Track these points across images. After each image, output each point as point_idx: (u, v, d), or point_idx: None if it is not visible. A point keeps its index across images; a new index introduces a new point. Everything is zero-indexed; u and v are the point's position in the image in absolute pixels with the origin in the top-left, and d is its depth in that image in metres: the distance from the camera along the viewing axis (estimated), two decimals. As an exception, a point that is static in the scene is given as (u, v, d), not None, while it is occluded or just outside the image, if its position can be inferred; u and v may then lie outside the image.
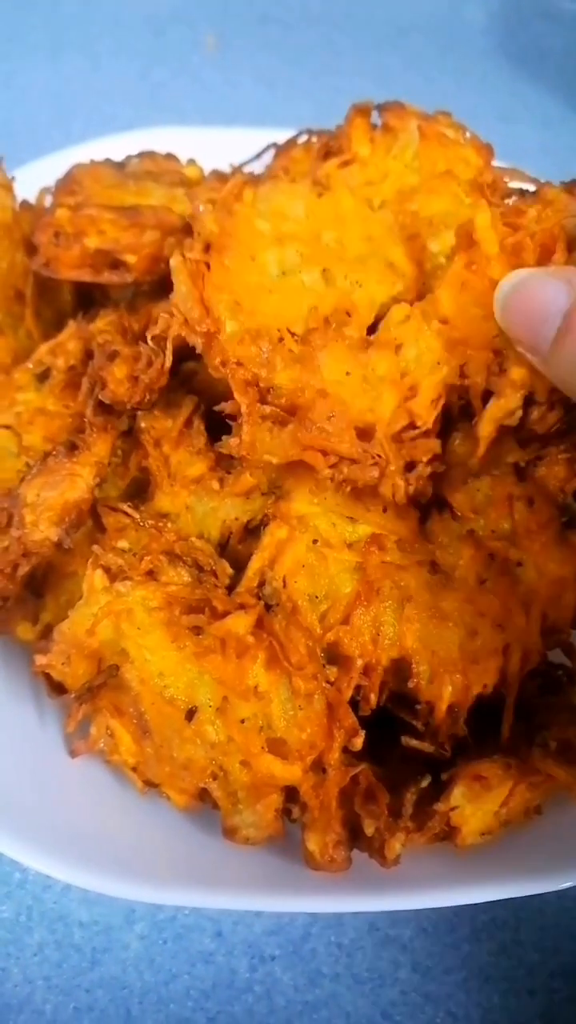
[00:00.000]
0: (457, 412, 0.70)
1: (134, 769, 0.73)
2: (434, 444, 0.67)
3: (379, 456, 0.65)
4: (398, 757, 0.74)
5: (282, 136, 1.08)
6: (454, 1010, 0.89)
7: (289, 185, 0.75)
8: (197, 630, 0.64)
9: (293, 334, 0.68)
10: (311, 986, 0.89)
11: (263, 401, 0.66)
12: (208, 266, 0.72)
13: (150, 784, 0.73)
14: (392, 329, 0.68)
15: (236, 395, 0.67)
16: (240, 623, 0.62)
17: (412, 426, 0.66)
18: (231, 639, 0.62)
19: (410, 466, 0.67)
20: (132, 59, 1.79)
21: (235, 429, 0.67)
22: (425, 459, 0.67)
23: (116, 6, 1.89)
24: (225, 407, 0.68)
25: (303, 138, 1.04)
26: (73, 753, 0.77)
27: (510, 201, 0.80)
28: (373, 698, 0.69)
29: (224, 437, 0.69)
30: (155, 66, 1.78)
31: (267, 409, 0.66)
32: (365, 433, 0.65)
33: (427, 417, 0.65)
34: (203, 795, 0.71)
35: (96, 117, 1.67)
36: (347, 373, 0.66)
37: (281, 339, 0.67)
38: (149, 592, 0.65)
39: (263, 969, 0.89)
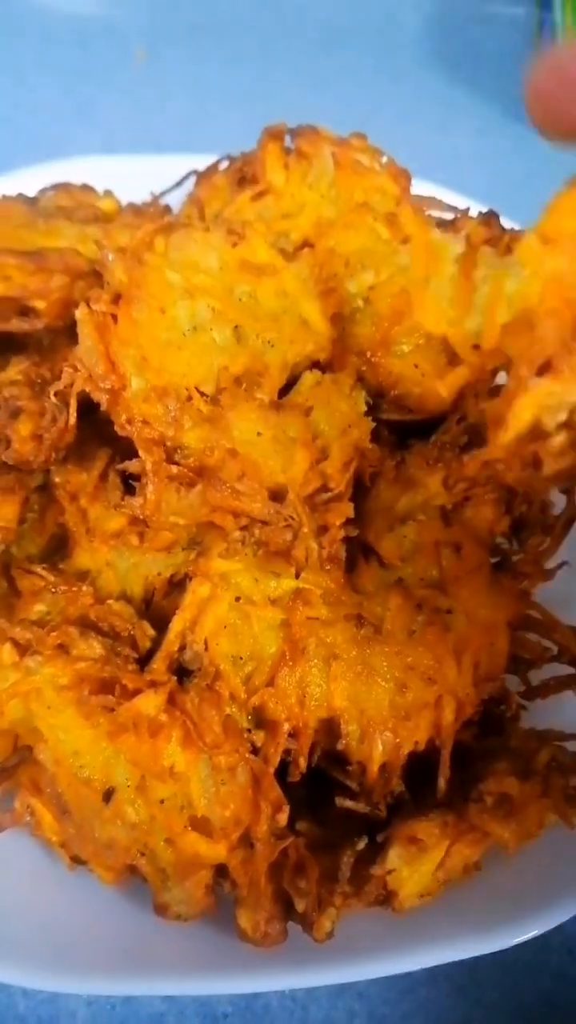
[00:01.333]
0: (378, 463, 0.68)
1: (61, 845, 0.70)
2: (347, 508, 0.65)
3: (292, 518, 0.62)
4: (337, 815, 0.71)
5: (204, 162, 1.05)
6: (412, 1058, 0.87)
7: (202, 234, 0.72)
8: (109, 709, 0.60)
9: (202, 393, 0.65)
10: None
11: (170, 461, 0.63)
12: (115, 318, 0.68)
13: (77, 860, 0.70)
14: (304, 392, 0.65)
15: (141, 454, 0.64)
16: (149, 703, 0.59)
17: (325, 488, 0.63)
18: (142, 719, 0.59)
19: (322, 529, 0.64)
20: (57, 74, 1.74)
21: (139, 489, 0.64)
22: (338, 523, 0.64)
23: (40, 19, 1.84)
24: (129, 466, 0.65)
25: (224, 164, 1.01)
26: (-1, 827, 0.73)
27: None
28: (303, 762, 0.67)
29: (127, 497, 0.65)
30: (82, 82, 1.74)
31: (174, 469, 0.63)
32: (277, 495, 0.62)
33: (339, 480, 0.63)
34: (133, 869, 0.68)
35: (21, 136, 1.62)
36: (258, 433, 0.63)
37: (190, 398, 0.64)
38: (58, 669, 0.62)
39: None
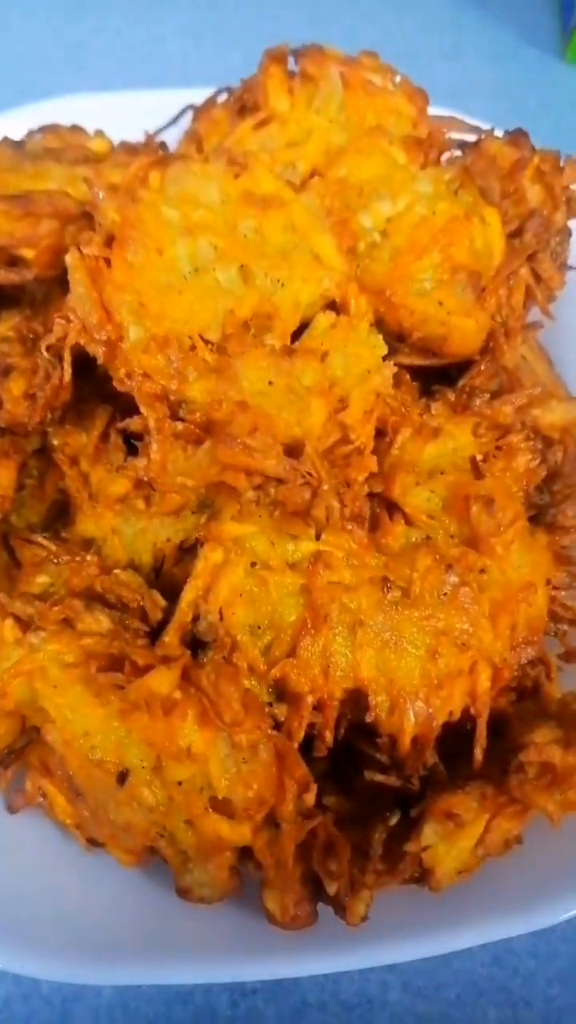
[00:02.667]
0: (401, 412, 0.62)
1: (76, 827, 0.67)
2: (370, 462, 0.59)
3: (310, 474, 0.56)
4: (367, 787, 0.67)
5: (201, 96, 0.98)
6: (449, 1029, 0.85)
7: (201, 166, 0.65)
8: (119, 687, 0.56)
9: (207, 341, 0.59)
10: (297, 1018, 0.84)
11: (174, 417, 0.58)
12: (109, 262, 0.62)
13: (93, 842, 0.66)
14: (318, 336, 0.59)
15: (143, 410, 0.58)
16: (162, 681, 0.54)
17: (344, 441, 0.57)
18: (155, 697, 0.54)
19: (343, 486, 0.58)
20: (47, 18, 1.65)
21: (142, 449, 0.59)
22: (361, 478, 0.59)
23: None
24: (131, 424, 0.59)
25: (222, 97, 0.94)
26: (11, 809, 0.70)
27: (449, 156, 0.70)
28: (329, 736, 0.62)
29: (129, 458, 0.60)
30: (71, 24, 1.64)
31: (179, 426, 0.58)
32: (293, 450, 0.57)
33: (360, 431, 0.57)
34: (152, 850, 0.64)
35: (10, 82, 1.54)
36: (269, 383, 0.57)
37: (193, 347, 0.59)
38: (63, 646, 0.57)
39: (245, 1004, 0.84)
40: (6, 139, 0.91)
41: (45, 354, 0.63)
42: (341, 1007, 0.85)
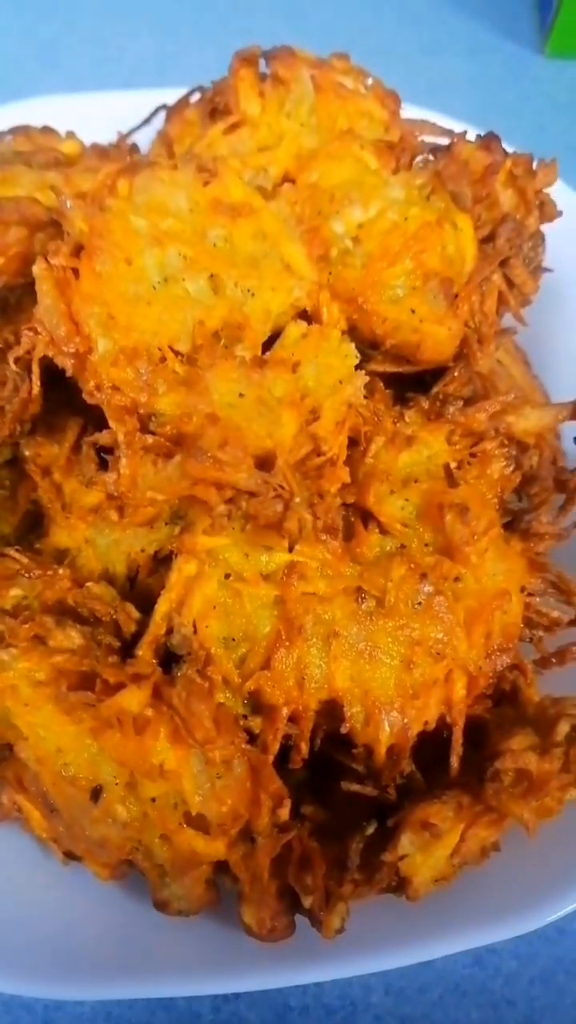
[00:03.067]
0: (374, 421, 0.61)
1: (53, 840, 0.66)
2: (342, 473, 0.59)
3: (281, 487, 0.56)
4: (344, 797, 0.67)
5: (174, 96, 0.96)
6: (431, 1031, 0.85)
7: (169, 173, 0.64)
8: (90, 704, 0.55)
9: (177, 353, 0.58)
10: (279, 1022, 0.85)
11: (145, 430, 0.57)
12: (77, 273, 0.61)
13: (71, 856, 0.66)
14: (289, 347, 0.58)
15: (112, 424, 0.57)
16: (132, 699, 0.54)
17: (316, 452, 0.57)
18: (126, 715, 0.54)
19: (316, 497, 0.58)
20: (16, 15, 1.62)
21: (112, 463, 0.58)
22: (333, 489, 0.58)
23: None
24: (100, 438, 0.58)
25: (195, 98, 0.93)
26: (-12, 823, 0.69)
27: (421, 160, 0.70)
28: (304, 747, 0.62)
29: (99, 473, 0.59)
30: (42, 22, 1.61)
31: (149, 439, 0.57)
32: (264, 462, 0.56)
33: (332, 442, 0.57)
34: (130, 864, 0.64)
35: (-20, 82, 1.52)
36: (240, 395, 0.57)
37: (163, 359, 0.58)
38: (34, 663, 0.56)
39: (227, 1009, 0.84)
40: (-26, 143, 0.90)
41: (13, 366, 0.62)
42: (324, 1011, 0.85)
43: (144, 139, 1.00)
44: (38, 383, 0.62)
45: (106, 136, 1.01)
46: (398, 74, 0.93)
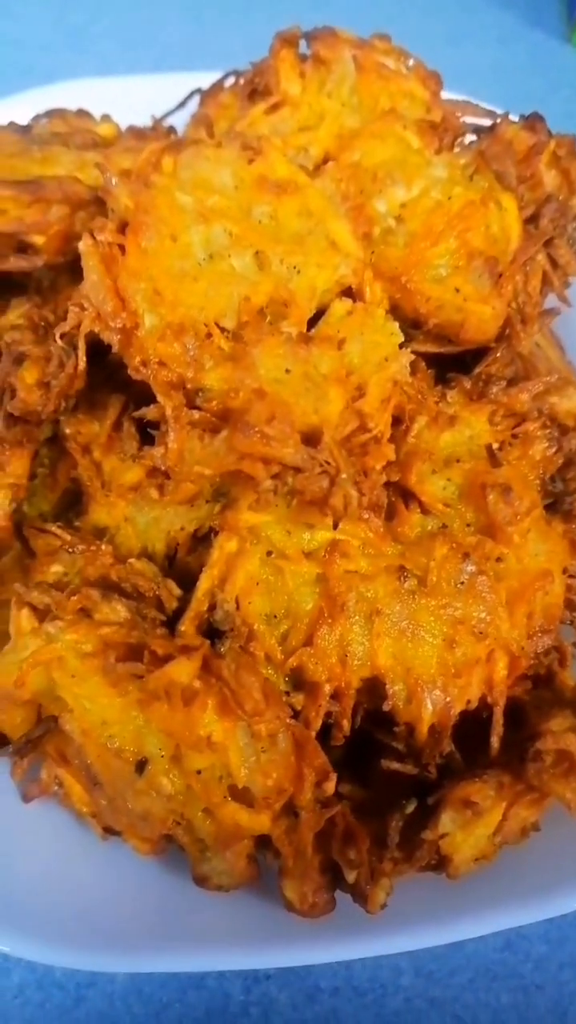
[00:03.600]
0: (417, 400, 0.61)
1: (93, 816, 0.67)
2: (388, 450, 0.59)
3: (328, 463, 0.56)
4: (383, 775, 0.67)
5: (207, 80, 0.96)
6: (460, 1013, 0.85)
7: (214, 150, 0.64)
8: (138, 676, 0.56)
9: (223, 329, 0.58)
10: (310, 1003, 0.85)
11: (191, 405, 0.57)
12: (123, 249, 0.62)
13: (110, 831, 0.66)
14: (334, 324, 0.58)
15: (159, 399, 0.57)
16: (183, 671, 0.54)
17: (362, 429, 0.57)
18: (175, 687, 0.54)
19: (362, 474, 0.58)
20: (46, 2, 1.62)
21: (159, 438, 0.58)
22: (379, 467, 0.58)
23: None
24: (147, 413, 0.59)
25: (230, 81, 0.93)
26: (26, 798, 0.70)
27: (463, 142, 0.69)
28: (346, 724, 0.62)
29: (146, 447, 0.59)
30: (72, 8, 1.62)
31: (196, 414, 0.57)
32: (310, 438, 0.56)
33: (378, 419, 0.57)
34: (169, 839, 0.64)
35: (11, 69, 1.52)
36: (287, 371, 0.57)
37: (209, 334, 0.58)
38: (81, 635, 0.57)
39: (258, 990, 0.85)
40: (12, 124, 0.90)
41: (59, 342, 0.62)
42: (354, 992, 0.85)
43: (178, 123, 1.01)
44: (84, 358, 0.62)
45: (138, 119, 1.01)
46: (425, 61, 0.93)
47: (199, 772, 0.57)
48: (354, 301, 0.64)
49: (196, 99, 0.96)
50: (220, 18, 1.64)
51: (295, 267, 0.61)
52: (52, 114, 0.94)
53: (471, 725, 0.67)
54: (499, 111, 0.75)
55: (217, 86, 0.92)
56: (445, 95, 0.83)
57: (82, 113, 0.95)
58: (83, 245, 0.62)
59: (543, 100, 1.59)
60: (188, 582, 0.67)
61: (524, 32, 1.66)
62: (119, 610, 0.59)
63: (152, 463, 0.58)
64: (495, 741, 0.64)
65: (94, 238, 0.62)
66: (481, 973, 0.86)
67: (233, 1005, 0.84)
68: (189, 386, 0.58)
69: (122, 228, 0.63)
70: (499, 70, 1.61)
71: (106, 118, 0.94)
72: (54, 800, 0.70)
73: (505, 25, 1.66)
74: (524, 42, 1.65)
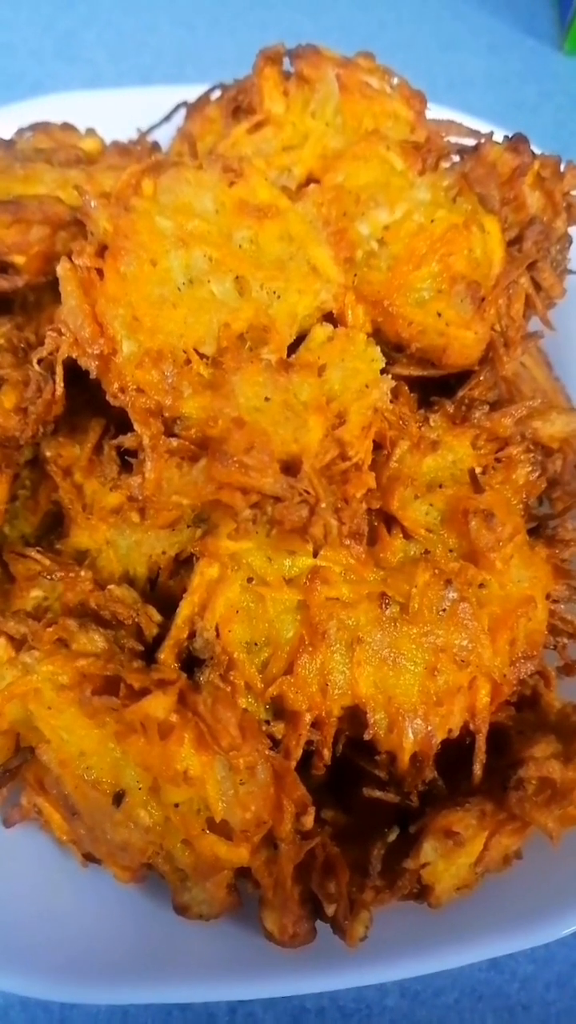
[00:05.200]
0: (399, 425, 0.61)
1: (73, 843, 0.66)
2: (368, 478, 0.58)
3: (307, 492, 0.55)
4: (365, 802, 0.67)
5: (194, 93, 0.96)
6: (447, 1034, 0.85)
7: (195, 173, 0.64)
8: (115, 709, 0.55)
9: (202, 355, 0.58)
10: (295, 1024, 0.84)
11: (169, 433, 0.57)
12: (101, 273, 0.61)
13: (90, 858, 0.66)
14: (315, 350, 0.58)
15: (137, 427, 0.57)
16: (159, 705, 0.53)
17: (342, 457, 0.56)
18: (151, 721, 0.54)
19: (341, 502, 0.57)
20: (36, 7, 1.61)
21: (136, 466, 0.57)
22: (359, 494, 0.58)
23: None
24: (125, 441, 0.58)
25: (216, 94, 0.92)
26: (6, 823, 0.69)
27: (447, 164, 0.69)
28: (327, 753, 0.62)
29: (124, 475, 0.59)
30: (61, 13, 1.61)
31: (174, 442, 0.56)
32: (290, 467, 0.56)
33: (358, 447, 0.56)
34: (150, 866, 0.64)
35: (0, 76, 1.51)
36: (266, 399, 0.56)
37: (188, 361, 0.57)
38: (57, 667, 0.56)
39: (243, 1011, 0.84)
40: (-5, 139, 0.90)
41: (37, 367, 0.62)
42: (339, 1013, 0.85)
43: (165, 136, 1.00)
44: (62, 384, 0.62)
45: (124, 132, 1.01)
46: (417, 70, 0.92)
47: (177, 805, 0.56)
48: (335, 326, 0.63)
49: (182, 112, 0.95)
50: (212, 24, 1.63)
51: (275, 292, 0.60)
52: (36, 128, 0.93)
53: (453, 751, 0.66)
54: (484, 130, 0.75)
55: (203, 100, 0.92)
56: (433, 109, 0.82)
57: (67, 127, 0.94)
58: (61, 269, 0.61)
59: (535, 108, 1.58)
60: (170, 606, 0.67)
61: (517, 39, 1.65)
62: (96, 640, 0.58)
63: (129, 492, 0.57)
64: (478, 769, 0.64)
65: (72, 262, 0.61)
66: (467, 993, 0.86)
67: (218, 1026, 0.83)
68: (167, 414, 0.57)
69: (101, 252, 0.62)
70: (491, 77, 1.60)
71: (91, 132, 0.94)
72: (35, 825, 0.70)
73: (497, 32, 1.65)
74: (517, 49, 1.64)
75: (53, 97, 1.06)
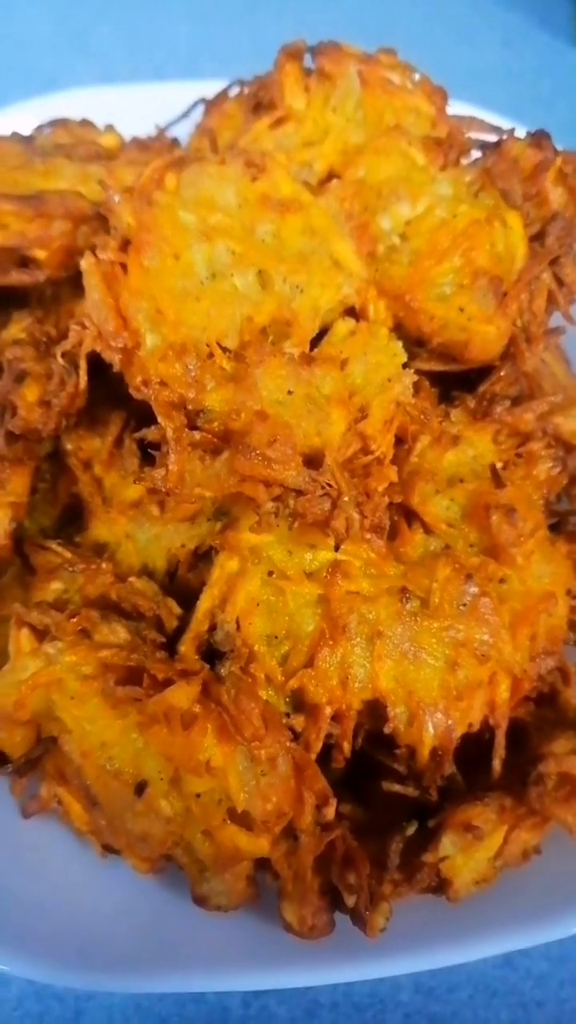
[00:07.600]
0: (420, 420, 0.61)
1: (92, 833, 0.66)
2: (390, 472, 0.58)
3: (329, 486, 0.55)
4: (384, 796, 0.67)
5: (212, 89, 0.96)
6: (460, 1030, 0.85)
7: (217, 167, 0.64)
8: (137, 699, 0.55)
9: (225, 349, 0.58)
10: (309, 1018, 0.85)
11: (192, 426, 0.57)
12: (124, 267, 0.61)
13: (109, 849, 0.66)
14: (337, 344, 0.58)
15: (160, 420, 0.57)
16: (182, 696, 0.54)
17: (364, 451, 0.56)
18: (174, 711, 0.54)
19: (364, 496, 0.57)
20: (51, 3, 1.62)
21: (159, 459, 0.58)
22: (381, 488, 0.58)
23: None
24: (148, 434, 0.58)
25: (235, 91, 0.92)
26: (25, 814, 0.70)
27: (469, 159, 0.69)
28: (347, 747, 0.62)
29: (146, 468, 0.59)
30: (76, 9, 1.61)
31: (197, 435, 0.56)
32: (312, 460, 0.56)
33: (381, 441, 0.56)
34: (168, 858, 0.64)
35: (14, 71, 1.51)
36: (289, 392, 0.56)
37: (211, 355, 0.57)
38: (80, 657, 0.56)
39: (257, 1004, 0.85)
40: (15, 134, 0.90)
41: (60, 360, 0.62)
42: (353, 1008, 0.85)
43: (182, 132, 1.00)
44: (85, 378, 0.62)
45: (141, 128, 1.01)
46: (431, 64, 0.92)
47: (198, 795, 0.57)
48: (357, 320, 0.63)
49: (200, 108, 0.96)
50: (226, 19, 1.63)
51: (298, 286, 0.61)
52: (55, 124, 0.94)
53: (473, 746, 0.66)
54: (505, 126, 0.75)
55: (221, 96, 0.92)
56: (451, 106, 0.82)
57: (85, 123, 0.94)
58: (85, 263, 0.62)
59: (550, 103, 1.58)
60: (189, 599, 0.67)
61: (532, 34, 1.65)
62: (119, 631, 0.58)
63: (152, 484, 0.57)
64: (497, 764, 0.64)
65: (96, 256, 0.62)
66: (481, 989, 0.86)
67: (232, 1019, 0.83)
68: (190, 407, 0.58)
69: (124, 246, 0.62)
70: (506, 72, 1.60)
71: (109, 128, 0.94)
72: (54, 817, 0.70)
73: (512, 27, 1.65)
74: (531, 44, 1.64)
75: (69, 92, 1.06)
